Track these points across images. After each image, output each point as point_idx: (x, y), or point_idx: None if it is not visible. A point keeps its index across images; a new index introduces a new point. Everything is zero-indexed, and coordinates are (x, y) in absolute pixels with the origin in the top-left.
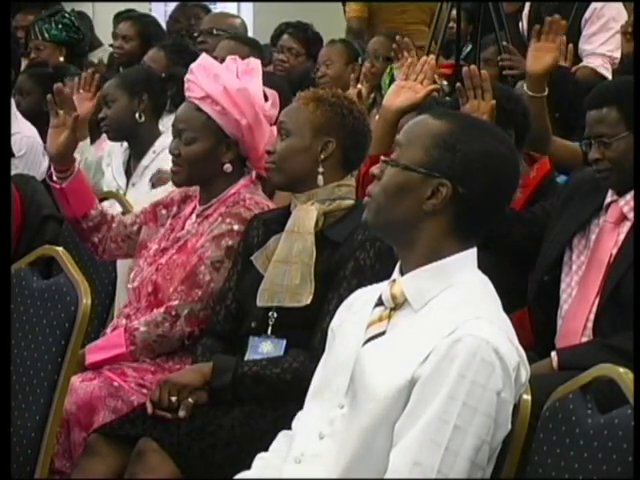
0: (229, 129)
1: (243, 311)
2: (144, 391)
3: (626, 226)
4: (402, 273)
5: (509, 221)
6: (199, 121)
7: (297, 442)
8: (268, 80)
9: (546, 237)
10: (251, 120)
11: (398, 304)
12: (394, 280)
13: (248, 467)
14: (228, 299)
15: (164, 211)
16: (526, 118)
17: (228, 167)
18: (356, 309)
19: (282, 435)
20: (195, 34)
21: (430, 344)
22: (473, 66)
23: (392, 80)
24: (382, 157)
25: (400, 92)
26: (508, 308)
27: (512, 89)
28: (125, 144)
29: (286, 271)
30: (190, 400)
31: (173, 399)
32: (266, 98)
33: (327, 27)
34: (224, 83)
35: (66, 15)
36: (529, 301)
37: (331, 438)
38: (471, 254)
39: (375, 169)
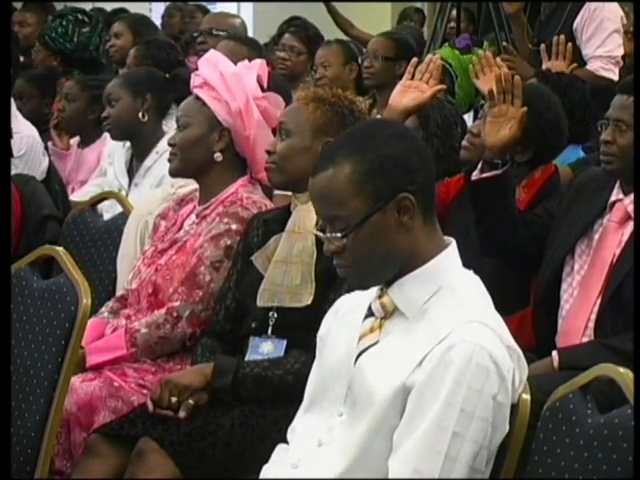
0: (221, 115)
1: (243, 311)
2: (144, 391)
3: (630, 226)
4: (387, 282)
5: (514, 225)
6: (195, 107)
7: (294, 449)
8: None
9: (551, 238)
10: (241, 104)
11: (388, 313)
12: (381, 289)
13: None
14: (228, 299)
15: (163, 222)
16: (558, 123)
17: (218, 156)
18: (342, 315)
19: (280, 448)
20: (195, 34)
21: (423, 349)
22: (506, 70)
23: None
24: (327, 236)
25: (406, 92)
26: (509, 309)
27: (547, 92)
28: (128, 143)
29: (286, 271)
30: (190, 401)
31: (173, 399)
32: (262, 89)
33: (327, 27)
34: (221, 69)
35: (63, 23)
36: (535, 303)
37: (330, 445)
38: (452, 252)
39: (332, 247)
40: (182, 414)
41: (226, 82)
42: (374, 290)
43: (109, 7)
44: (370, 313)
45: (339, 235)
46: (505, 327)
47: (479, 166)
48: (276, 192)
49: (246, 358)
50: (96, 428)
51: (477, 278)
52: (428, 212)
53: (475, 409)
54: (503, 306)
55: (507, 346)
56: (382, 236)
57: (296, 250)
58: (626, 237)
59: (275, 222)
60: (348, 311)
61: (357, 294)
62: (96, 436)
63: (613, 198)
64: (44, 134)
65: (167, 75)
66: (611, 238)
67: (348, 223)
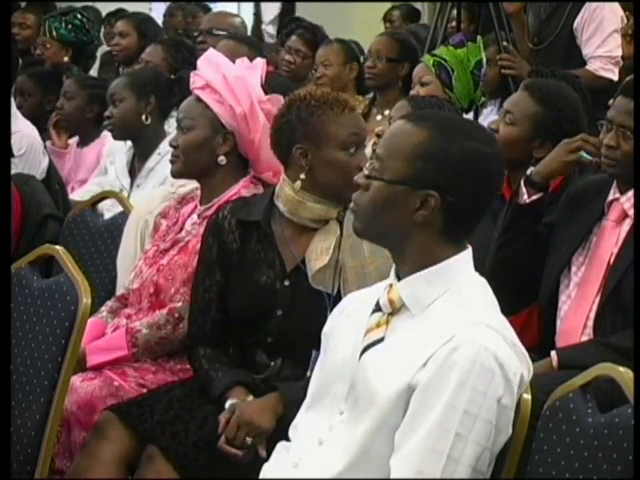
0: (225, 118)
1: (243, 322)
2: (144, 391)
3: (627, 224)
4: (398, 277)
5: (519, 213)
6: (197, 109)
7: (295, 447)
8: (272, 80)
9: (552, 246)
10: (246, 109)
11: (396, 309)
12: (390, 285)
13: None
14: (212, 311)
15: (164, 221)
16: (577, 120)
17: (222, 160)
18: (348, 313)
19: (281, 446)
20: (195, 33)
21: (429, 350)
22: None
23: None
24: (365, 170)
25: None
26: (518, 306)
27: (567, 90)
28: (129, 143)
29: (367, 273)
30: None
31: (249, 440)
32: (266, 93)
33: (327, 27)
34: (223, 71)
35: (78, 16)
36: (543, 302)
37: (330, 443)
38: (466, 256)
39: (360, 179)
40: (263, 453)
41: (230, 86)
42: (382, 286)
43: (109, 7)
44: (377, 308)
45: (370, 175)
46: (512, 330)
47: (522, 185)
48: None
49: (308, 374)
50: (108, 406)
51: (484, 281)
52: (456, 223)
53: (479, 411)
54: (513, 300)
55: (513, 349)
56: (395, 208)
57: (367, 250)
58: (623, 235)
59: (251, 222)
60: (354, 309)
61: (364, 292)
62: (107, 414)
63: (610, 198)
64: (44, 133)
65: (172, 76)
66: (608, 237)
67: (382, 172)
